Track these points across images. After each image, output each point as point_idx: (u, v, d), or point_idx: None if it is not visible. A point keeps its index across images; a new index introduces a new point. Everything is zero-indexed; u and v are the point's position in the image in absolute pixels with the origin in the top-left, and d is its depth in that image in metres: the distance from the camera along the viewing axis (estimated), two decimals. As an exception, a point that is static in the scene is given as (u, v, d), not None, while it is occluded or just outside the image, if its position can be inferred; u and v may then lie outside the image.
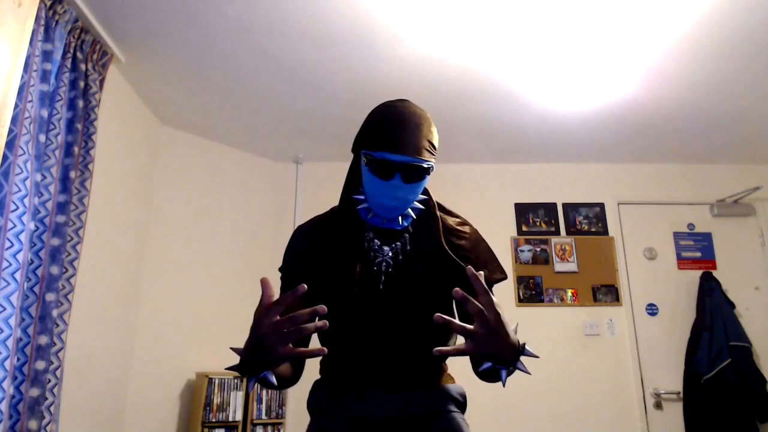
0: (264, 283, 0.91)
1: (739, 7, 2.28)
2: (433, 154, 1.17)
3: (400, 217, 1.22)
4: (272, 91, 3.01)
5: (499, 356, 0.94)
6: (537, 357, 0.99)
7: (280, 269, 1.29)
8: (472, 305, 0.90)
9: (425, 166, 1.15)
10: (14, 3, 1.47)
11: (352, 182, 1.26)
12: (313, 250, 1.25)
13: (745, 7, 2.28)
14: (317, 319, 1.24)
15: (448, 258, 1.22)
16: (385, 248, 1.22)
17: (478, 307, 0.90)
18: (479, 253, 1.27)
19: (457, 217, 1.33)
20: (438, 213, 1.28)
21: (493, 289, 1.21)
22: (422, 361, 1.22)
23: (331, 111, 3.22)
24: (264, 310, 0.89)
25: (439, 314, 0.88)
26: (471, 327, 0.91)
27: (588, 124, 3.33)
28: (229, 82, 2.93)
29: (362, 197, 1.23)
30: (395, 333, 1.19)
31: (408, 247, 1.23)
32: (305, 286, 0.85)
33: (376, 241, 1.23)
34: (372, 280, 1.20)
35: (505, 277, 1.28)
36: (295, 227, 1.34)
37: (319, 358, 1.29)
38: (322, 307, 0.86)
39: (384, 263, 1.21)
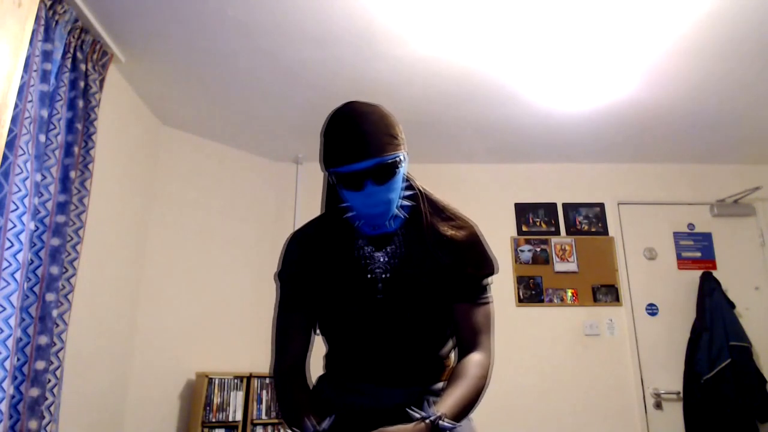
0: None
1: (739, 7, 2.28)
2: (399, 144, 1.13)
3: (389, 221, 1.21)
4: (272, 91, 3.01)
5: None
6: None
7: (279, 276, 1.29)
8: None
9: (390, 161, 1.11)
10: (14, 3, 1.48)
11: (333, 197, 1.23)
12: (308, 258, 1.25)
13: (746, 8, 2.28)
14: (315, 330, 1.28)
15: (437, 260, 1.20)
16: (377, 254, 1.21)
17: None
18: (467, 249, 1.23)
19: (449, 210, 1.28)
20: (424, 210, 1.23)
21: (483, 282, 1.22)
22: (420, 359, 1.23)
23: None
24: None
25: None
26: None
27: (588, 124, 3.33)
28: (229, 82, 2.93)
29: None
30: (395, 334, 1.19)
31: (403, 249, 1.22)
32: None
33: (367, 248, 1.22)
34: (368, 288, 1.19)
35: (492, 271, 1.23)
36: (293, 230, 1.33)
37: (323, 354, 1.31)
38: None
39: (378, 269, 1.20)
